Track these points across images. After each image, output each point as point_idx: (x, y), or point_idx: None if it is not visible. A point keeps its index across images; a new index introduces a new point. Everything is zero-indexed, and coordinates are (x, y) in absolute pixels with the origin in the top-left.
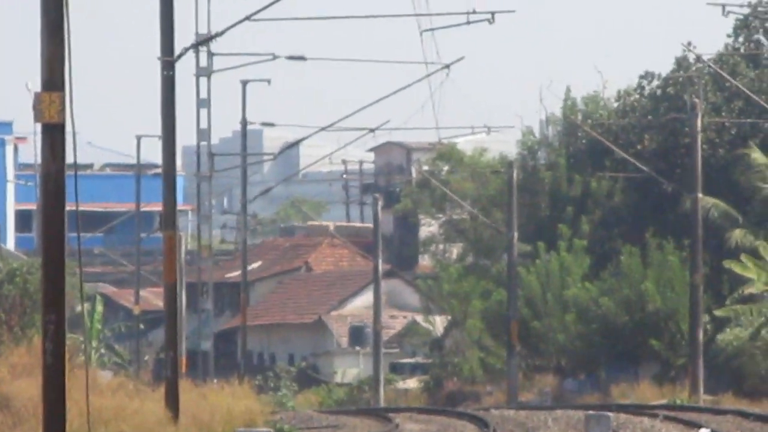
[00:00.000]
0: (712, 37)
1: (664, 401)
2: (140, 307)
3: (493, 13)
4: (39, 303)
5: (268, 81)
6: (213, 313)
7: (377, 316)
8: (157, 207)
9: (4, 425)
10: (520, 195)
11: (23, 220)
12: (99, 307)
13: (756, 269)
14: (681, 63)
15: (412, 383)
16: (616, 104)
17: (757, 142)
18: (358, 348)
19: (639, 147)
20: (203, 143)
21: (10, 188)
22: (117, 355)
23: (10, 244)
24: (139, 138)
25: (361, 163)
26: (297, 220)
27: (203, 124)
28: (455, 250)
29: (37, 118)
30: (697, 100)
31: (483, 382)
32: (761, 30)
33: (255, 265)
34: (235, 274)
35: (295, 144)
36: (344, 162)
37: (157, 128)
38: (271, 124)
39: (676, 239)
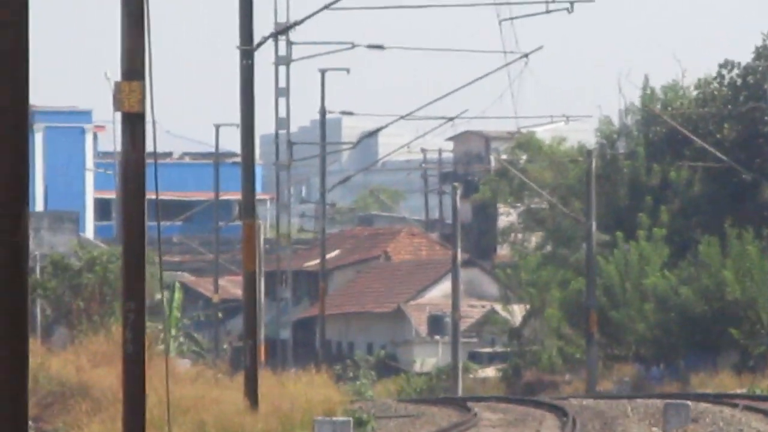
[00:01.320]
0: None
1: (743, 390)
2: (219, 296)
3: (572, 2)
4: (118, 291)
5: (347, 70)
6: (291, 301)
7: (456, 305)
8: (236, 196)
9: (83, 413)
10: (599, 184)
11: (102, 208)
12: (178, 296)
13: None
14: (761, 52)
15: (490, 372)
16: (695, 93)
17: None
18: (436, 337)
19: (718, 136)
20: (282, 132)
21: (90, 176)
22: (196, 344)
23: (89, 232)
24: (217, 127)
25: (439, 152)
26: (375, 209)
27: (282, 113)
28: (534, 239)
29: (117, 108)
30: None
31: (562, 372)
32: None
33: (333, 254)
34: (313, 263)
35: (374, 133)
36: (423, 151)
37: (235, 117)
38: (350, 113)
39: (756, 229)
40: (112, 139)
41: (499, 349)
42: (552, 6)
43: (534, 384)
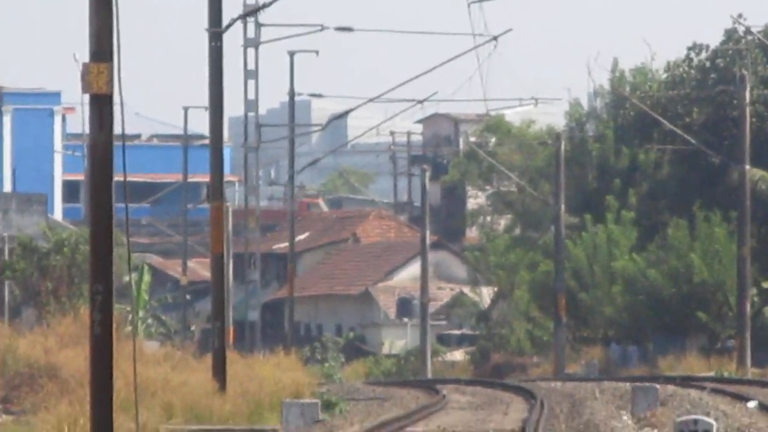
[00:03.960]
0: (761, 9)
1: (711, 373)
2: (187, 278)
3: None
4: (86, 273)
5: (316, 52)
6: (260, 283)
7: (424, 288)
8: (205, 178)
9: (51, 394)
10: (568, 167)
11: (71, 190)
12: (146, 278)
13: None
14: (730, 35)
15: (458, 355)
16: (664, 76)
17: None
18: (405, 319)
19: (687, 119)
20: (251, 114)
21: (58, 158)
22: (164, 326)
23: (58, 214)
24: (186, 109)
25: (408, 134)
26: (344, 191)
27: (251, 95)
28: (502, 222)
29: (85, 89)
30: (745, 73)
31: (530, 354)
32: None
33: (302, 237)
34: (282, 245)
35: (343, 115)
36: (392, 133)
37: (204, 99)
38: (319, 96)
39: (724, 211)
40: (81, 121)
41: (467, 331)
42: None
43: (502, 366)
